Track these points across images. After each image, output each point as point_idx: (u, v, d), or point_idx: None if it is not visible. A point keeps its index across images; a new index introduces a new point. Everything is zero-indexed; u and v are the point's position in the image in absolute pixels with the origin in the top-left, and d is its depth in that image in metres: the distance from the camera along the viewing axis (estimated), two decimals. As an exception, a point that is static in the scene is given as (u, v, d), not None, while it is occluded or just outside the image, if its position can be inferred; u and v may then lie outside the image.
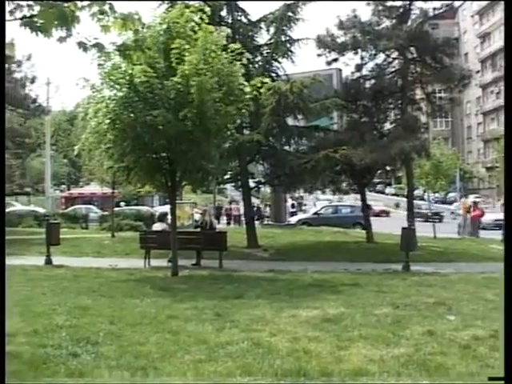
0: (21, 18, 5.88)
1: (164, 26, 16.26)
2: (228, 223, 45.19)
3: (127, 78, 15.89)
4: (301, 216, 47.30)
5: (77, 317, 10.01)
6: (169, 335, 8.85)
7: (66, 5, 5.69)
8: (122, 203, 51.60)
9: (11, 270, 17.31)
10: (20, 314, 10.21)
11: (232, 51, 16.40)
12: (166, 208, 27.15)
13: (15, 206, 48.54)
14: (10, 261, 19.44)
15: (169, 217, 20.01)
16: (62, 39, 6.01)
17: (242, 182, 27.76)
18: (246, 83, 16.64)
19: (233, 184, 32.06)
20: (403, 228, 19.34)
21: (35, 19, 5.84)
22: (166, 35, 16.22)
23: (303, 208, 61.97)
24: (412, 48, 26.44)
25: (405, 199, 32.55)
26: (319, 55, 27.18)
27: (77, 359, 7.39)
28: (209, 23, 16.15)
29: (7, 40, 6.38)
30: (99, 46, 6.30)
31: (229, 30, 18.90)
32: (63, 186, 77.88)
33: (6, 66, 38.28)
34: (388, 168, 30.96)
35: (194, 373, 6.91)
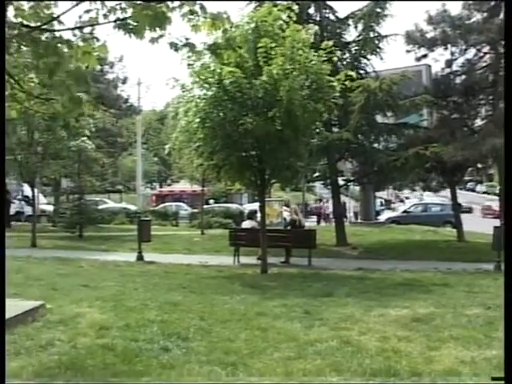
0: (114, 21, 6.03)
1: (252, 25, 16.34)
2: (318, 222, 45.01)
3: (216, 77, 16.06)
4: (390, 214, 46.76)
5: (168, 312, 10.17)
6: (258, 332, 8.89)
7: (157, 6, 5.81)
8: (212, 201, 52.10)
9: (105, 266, 17.85)
10: (113, 308, 10.46)
11: (321, 49, 16.34)
12: (255, 206, 27.32)
13: (108, 203, 49.70)
14: (103, 256, 20.12)
15: (258, 214, 20.13)
16: (153, 40, 6.13)
17: (331, 180, 27.67)
18: (333, 79, 16.55)
19: (322, 182, 31.97)
20: (495, 227, 18.82)
21: (128, 21, 5.98)
22: (254, 34, 16.30)
23: (392, 206, 61.25)
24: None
25: (496, 197, 31.72)
26: (408, 51, 26.80)
27: (168, 354, 7.52)
28: (297, 21, 16.14)
29: (101, 42, 6.55)
30: (190, 46, 6.40)
31: (317, 28, 18.81)
32: (154, 184, 79.28)
33: (99, 67, 39.33)
34: (479, 165, 30.26)
35: (283, 370, 6.91)
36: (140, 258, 19.76)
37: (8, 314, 8.84)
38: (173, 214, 42.40)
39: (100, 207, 40.03)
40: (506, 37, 5.76)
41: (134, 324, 9.13)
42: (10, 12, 6.30)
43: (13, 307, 9.54)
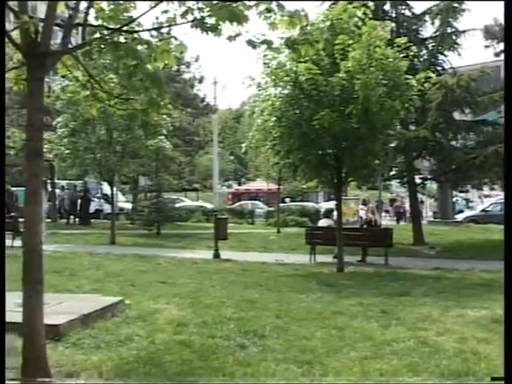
0: (192, 20, 6.09)
1: (327, 23, 16.23)
2: (398, 221, 44.36)
3: (292, 75, 16.04)
4: (468, 213, 45.80)
5: (244, 310, 10.21)
6: (334, 331, 8.83)
7: (234, 5, 5.83)
8: (288, 199, 52.13)
9: (182, 263, 18.06)
10: (190, 305, 10.57)
11: (398, 46, 16.13)
12: (331, 204, 27.17)
13: (185, 201, 50.26)
14: (180, 254, 20.35)
15: (334, 213, 20.03)
16: (231, 38, 6.16)
17: (408, 179, 27.32)
18: (410, 77, 16.32)
19: (398, 180, 31.58)
20: None
21: (206, 20, 6.03)
22: (330, 32, 16.18)
23: (470, 205, 59.98)
24: None
25: None
26: (487, 46, 26.21)
27: (244, 351, 7.54)
28: (372, 18, 15.97)
29: (178, 41, 6.62)
30: (267, 43, 6.40)
31: (393, 25, 18.58)
32: (230, 182, 79.91)
33: (176, 67, 39.84)
34: None
35: (359, 369, 6.84)
36: (217, 255, 19.90)
37: (88, 309, 9.08)
38: (249, 213, 42.55)
39: (177, 205, 40.54)
40: (506, 37, 5.67)
41: (210, 321, 9.20)
42: (90, 15, 6.44)
43: (93, 302, 9.77)
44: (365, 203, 24.97)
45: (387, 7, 26.44)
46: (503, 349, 4.84)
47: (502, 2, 5.85)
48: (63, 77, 8.73)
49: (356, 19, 15.94)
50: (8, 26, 6.43)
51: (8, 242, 20.97)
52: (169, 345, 7.73)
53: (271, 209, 42.38)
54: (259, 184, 56.68)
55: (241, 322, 9.20)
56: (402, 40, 16.26)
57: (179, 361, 7.05)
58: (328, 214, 22.10)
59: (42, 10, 6.55)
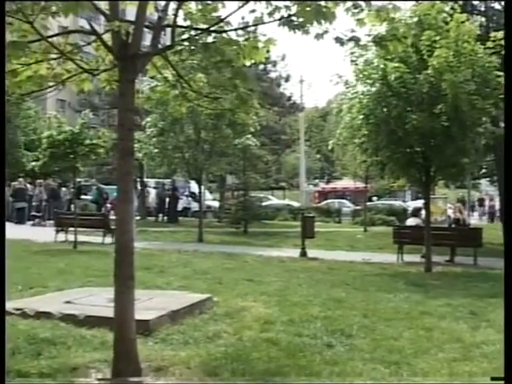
0: (279, 19, 6.10)
1: (415, 19, 15.98)
2: (492, 220, 43.12)
3: (380, 73, 15.87)
4: None
5: (331, 309, 10.16)
6: (422, 331, 8.70)
7: (322, 3, 5.82)
8: (375, 198, 51.62)
9: (269, 261, 18.12)
10: (277, 303, 10.61)
11: (488, 41, 15.71)
12: (419, 203, 26.74)
13: (271, 199, 50.44)
14: (267, 252, 20.43)
15: (422, 212, 19.73)
16: (318, 36, 6.14)
17: (499, 177, 26.63)
18: (501, 74, 15.86)
19: (488, 179, 30.84)
20: None
21: (293, 18, 6.03)
22: (418, 28, 15.92)
23: None
24: None
25: None
26: None
27: (331, 350, 7.51)
28: (461, 13, 15.62)
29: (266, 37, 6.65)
30: (355, 40, 6.37)
31: (482, 19, 18.10)
32: (316, 181, 79.66)
33: (263, 66, 40.04)
34: None
35: (447, 371, 6.72)
36: (303, 254, 19.88)
37: (177, 306, 9.22)
38: (335, 211, 42.31)
39: (264, 204, 40.73)
40: (505, 37, 5.52)
41: (297, 319, 9.21)
42: (179, 16, 6.53)
43: (181, 299, 9.93)
44: (461, 201, 24.43)
45: (476, 1, 25.83)
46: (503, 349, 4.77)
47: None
48: (152, 77, 8.87)
49: (444, 15, 15.65)
50: (99, 29, 6.61)
51: (99, 239, 21.60)
52: (256, 342, 7.77)
53: (358, 207, 42.02)
54: (346, 182, 56.27)
55: (328, 320, 9.17)
56: (494, 35, 15.80)
57: (266, 358, 7.08)
58: (416, 212, 21.78)
59: (130, 12, 6.71)
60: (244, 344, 7.67)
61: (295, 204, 46.07)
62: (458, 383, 6.54)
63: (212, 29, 6.37)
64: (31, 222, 31.78)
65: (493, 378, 6.02)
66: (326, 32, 6.08)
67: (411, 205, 38.61)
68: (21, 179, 34.31)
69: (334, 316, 9.56)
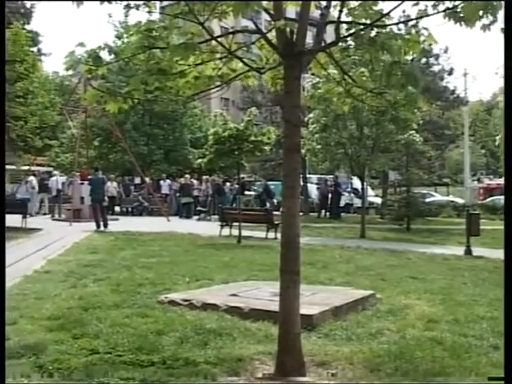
0: (444, 11, 5.96)
1: None
2: None
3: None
4: None
5: (498, 309, 9.77)
6: None
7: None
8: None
9: (432, 259, 17.75)
10: (442, 301, 10.39)
11: None
12: None
13: (435, 196, 49.28)
14: (430, 249, 20.02)
15: None
16: (485, 27, 5.94)
17: None
18: None
19: None
20: None
21: (458, 10, 5.87)
22: None
23: None
24: None
25: None
26: None
27: (498, 352, 7.22)
28: None
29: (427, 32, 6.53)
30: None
31: None
32: (481, 177, 76.99)
33: (425, 59, 39.16)
34: None
35: None
36: (468, 252, 19.29)
37: (340, 302, 9.26)
38: (501, 208, 40.59)
39: (427, 200, 39.83)
40: (505, 36, 5.19)
41: (462, 319, 8.99)
42: (342, 12, 6.53)
43: (344, 295, 9.96)
44: None
45: None
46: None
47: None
48: (313, 74, 8.93)
49: None
50: (263, 29, 6.74)
51: (262, 234, 22.01)
52: (420, 341, 7.65)
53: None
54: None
55: (494, 321, 8.86)
56: None
57: (430, 358, 6.95)
58: None
59: (289, 10, 6.80)
60: (407, 342, 7.59)
61: (459, 201, 44.75)
62: (457, 383, 6.32)
63: (376, 23, 6.33)
64: (197, 217, 32.94)
65: (491, 378, 5.91)
66: (493, 22, 5.86)
67: None
68: (187, 175, 35.70)
69: (500, 317, 9.23)
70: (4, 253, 7.16)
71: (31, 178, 32.92)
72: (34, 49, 40.63)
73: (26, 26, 43.33)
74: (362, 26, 6.30)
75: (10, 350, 6.75)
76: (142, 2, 6.34)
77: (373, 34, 6.31)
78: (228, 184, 37.14)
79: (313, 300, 9.12)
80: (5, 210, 19.78)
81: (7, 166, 34.39)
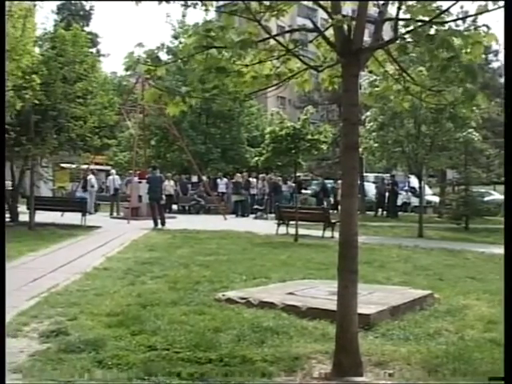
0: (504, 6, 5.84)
1: None
2: None
3: None
4: None
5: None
6: None
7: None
8: None
9: (491, 259, 17.42)
10: (501, 302, 10.20)
11: None
12: None
13: (494, 195, 48.43)
14: (489, 249, 19.72)
15: None
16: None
17: None
18: None
19: None
20: None
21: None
22: None
23: None
24: None
25: None
26: None
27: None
28: None
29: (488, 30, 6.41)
30: None
31: None
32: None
33: (484, 56, 38.50)
34: None
35: None
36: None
37: (397, 301, 9.19)
38: None
39: (486, 199, 39.24)
40: (505, 36, 5.10)
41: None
42: (400, 9, 6.47)
43: (401, 294, 9.88)
44: None
45: None
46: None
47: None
48: (370, 72, 8.88)
49: None
50: (320, 27, 6.72)
51: (319, 233, 21.97)
52: (479, 342, 7.54)
53: None
54: None
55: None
56: None
57: (489, 359, 6.84)
58: None
59: (345, 8, 6.77)
60: (466, 343, 7.49)
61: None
62: (456, 383, 6.21)
63: (434, 20, 6.24)
64: (253, 215, 33.05)
65: (491, 378, 5.88)
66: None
67: None
68: (239, 174, 35.89)
69: None
70: (4, 252, 7.23)
71: (90, 176, 33.54)
72: (93, 50, 41.52)
73: (86, 28, 44.30)
74: (420, 23, 6.22)
75: (70, 344, 6.92)
76: (199, 1, 6.39)
77: (431, 31, 6.23)
78: (286, 183, 37.18)
79: (370, 299, 9.08)
80: (4, 210, 20.00)
81: (67, 165, 35.24)
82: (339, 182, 25.95)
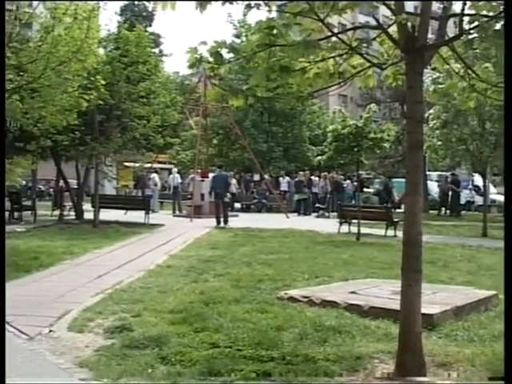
0: None
1: None
2: None
3: None
4: None
5: None
6: None
7: None
8: None
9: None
10: None
11: None
12: None
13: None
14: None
15: None
16: None
17: None
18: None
19: None
20: None
21: None
22: None
23: None
24: None
25: None
26: None
27: None
28: None
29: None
30: None
31: None
32: None
33: None
34: None
35: None
36: None
37: (461, 301, 9.06)
38: None
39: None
40: (506, 37, 5.14)
41: None
42: (466, 4, 6.37)
43: (465, 295, 9.72)
44: None
45: None
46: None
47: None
48: (433, 69, 8.76)
49: None
50: (382, 24, 6.66)
51: (381, 232, 21.78)
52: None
53: None
54: None
55: None
56: None
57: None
58: None
59: (408, 4, 6.69)
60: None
61: None
62: (456, 383, 6.08)
63: (501, 15, 6.13)
64: (315, 214, 32.99)
65: (491, 378, 5.82)
66: None
67: None
68: (301, 172, 35.87)
69: None
70: (4, 252, 7.32)
71: (153, 175, 33.98)
72: (156, 50, 41.98)
73: (148, 29, 44.86)
74: (486, 19, 6.12)
75: (134, 340, 7.03)
76: (262, 2, 6.40)
77: (498, 26, 6.12)
78: (347, 181, 37.00)
79: (433, 299, 8.96)
80: (4, 210, 20.30)
81: (131, 164, 35.76)
82: (402, 180, 25.71)
